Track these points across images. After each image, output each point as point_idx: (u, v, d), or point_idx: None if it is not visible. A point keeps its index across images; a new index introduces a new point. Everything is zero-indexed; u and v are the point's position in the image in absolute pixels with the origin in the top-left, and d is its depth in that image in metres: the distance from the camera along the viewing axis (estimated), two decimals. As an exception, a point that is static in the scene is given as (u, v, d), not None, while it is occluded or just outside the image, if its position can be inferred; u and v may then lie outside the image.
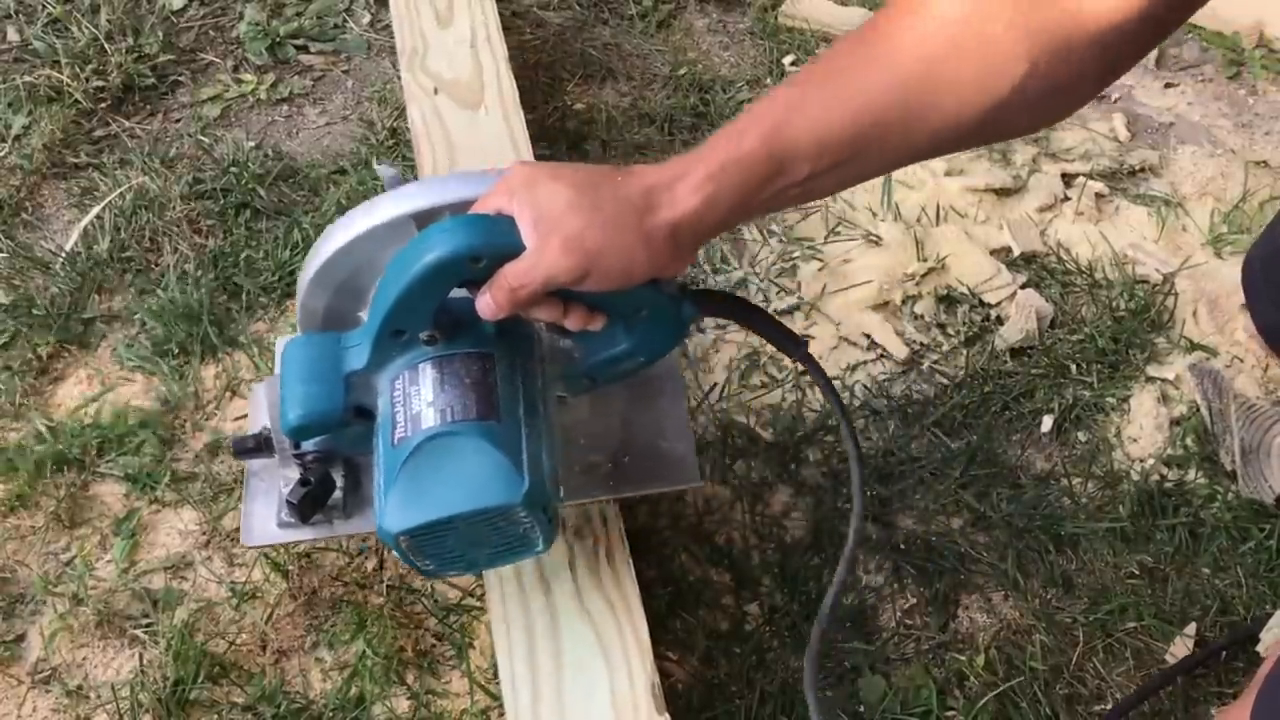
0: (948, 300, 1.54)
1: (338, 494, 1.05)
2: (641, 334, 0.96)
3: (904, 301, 1.53)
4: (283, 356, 0.95)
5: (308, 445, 1.02)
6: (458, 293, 0.89)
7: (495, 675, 1.19)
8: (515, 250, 0.84)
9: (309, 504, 1.02)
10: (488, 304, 0.87)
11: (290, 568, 1.28)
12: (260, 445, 1.04)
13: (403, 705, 1.20)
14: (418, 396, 0.91)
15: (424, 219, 0.92)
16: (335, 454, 1.04)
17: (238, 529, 1.32)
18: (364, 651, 1.22)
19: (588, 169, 0.87)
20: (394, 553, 0.92)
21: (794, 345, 1.01)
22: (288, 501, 1.02)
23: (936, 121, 0.81)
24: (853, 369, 1.47)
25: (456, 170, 0.93)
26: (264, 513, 1.07)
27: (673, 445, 1.12)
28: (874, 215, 1.63)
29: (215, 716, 1.19)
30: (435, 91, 1.47)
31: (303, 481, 1.02)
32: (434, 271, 0.85)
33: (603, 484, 1.09)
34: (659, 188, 0.84)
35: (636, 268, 0.85)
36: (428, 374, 0.92)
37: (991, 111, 0.80)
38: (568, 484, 1.03)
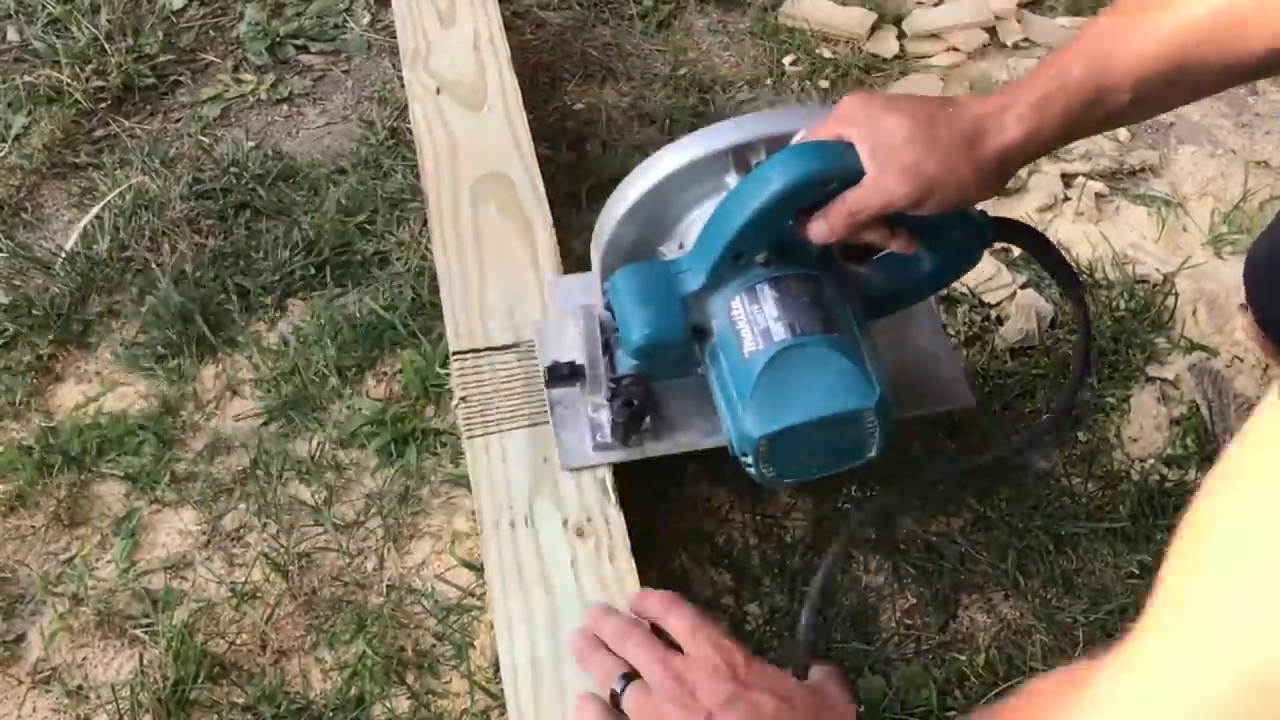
0: (947, 300, 1.53)
1: (647, 418, 1.11)
2: (945, 256, 1.03)
3: (904, 301, 1.53)
4: (615, 284, 1.02)
5: (624, 369, 1.08)
6: None
7: (495, 675, 1.19)
8: (859, 176, 0.89)
9: (633, 423, 1.09)
10: (822, 229, 0.93)
11: (290, 568, 1.28)
12: (573, 373, 1.10)
13: (403, 705, 1.20)
14: (762, 314, 0.98)
15: (740, 154, 0.99)
16: (645, 379, 1.09)
17: (239, 528, 1.32)
18: (364, 652, 1.22)
19: (919, 99, 0.93)
20: (744, 460, 0.99)
21: (1074, 285, 1.06)
22: (613, 422, 1.09)
23: (1256, 46, 0.83)
24: (853, 369, 1.47)
25: (766, 110, 1.03)
26: (576, 437, 1.13)
27: (942, 368, 1.20)
28: (874, 215, 1.63)
29: (215, 717, 1.19)
30: (438, 91, 1.47)
31: (626, 403, 1.07)
32: (789, 193, 0.91)
33: None
34: (988, 116, 0.89)
35: (968, 191, 0.90)
36: (768, 293, 0.98)
37: None
38: None
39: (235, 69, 1.87)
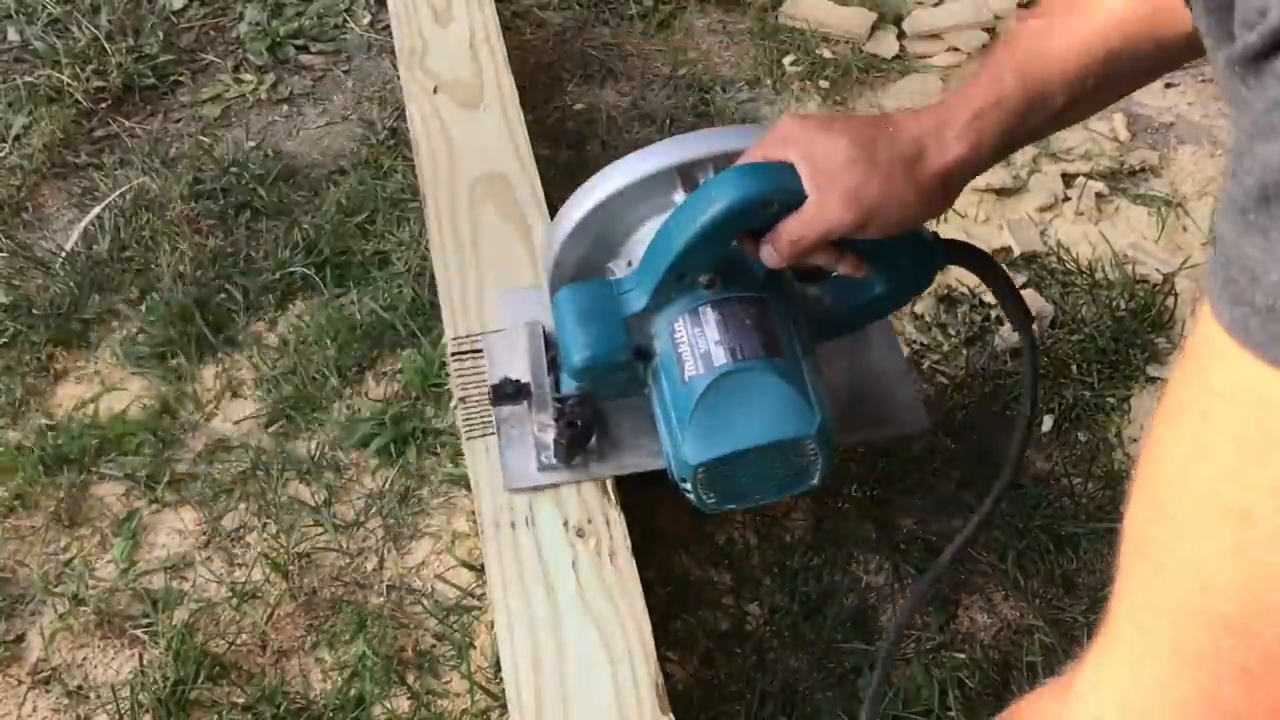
0: (948, 300, 1.54)
1: (592, 439, 1.08)
2: (896, 279, 1.01)
3: (904, 301, 1.53)
4: (557, 304, 1.00)
5: (568, 390, 1.06)
6: None
7: (496, 675, 1.19)
8: (801, 198, 0.87)
9: (576, 444, 1.06)
10: (770, 254, 0.91)
11: (290, 568, 1.28)
12: (518, 391, 1.08)
13: (403, 705, 1.20)
14: (703, 337, 0.95)
15: (687, 172, 0.97)
16: (591, 399, 1.07)
17: (239, 528, 1.32)
18: (364, 652, 1.22)
19: (858, 119, 0.90)
20: (683, 486, 0.97)
21: (1023, 316, 1.04)
22: (556, 442, 1.06)
23: (1181, 31, 0.81)
24: (853, 369, 1.47)
25: (713, 127, 1.00)
26: (520, 457, 1.10)
27: (897, 392, 1.17)
28: (874, 215, 1.63)
29: (215, 717, 1.19)
30: (435, 90, 1.47)
31: (569, 423, 1.05)
32: (730, 215, 0.89)
33: (838, 430, 1.09)
34: (927, 136, 0.87)
35: (911, 214, 0.88)
36: (710, 316, 0.96)
37: None
38: None
39: (235, 69, 1.87)
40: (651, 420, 1.02)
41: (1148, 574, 0.46)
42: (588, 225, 1.00)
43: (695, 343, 0.95)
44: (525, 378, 1.09)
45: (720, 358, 0.94)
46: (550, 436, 1.07)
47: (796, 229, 0.88)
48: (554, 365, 1.09)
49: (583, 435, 1.06)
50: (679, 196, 0.97)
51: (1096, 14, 0.84)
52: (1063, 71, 0.85)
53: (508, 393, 1.08)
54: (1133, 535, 0.47)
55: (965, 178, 0.90)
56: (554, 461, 1.08)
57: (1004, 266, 1.04)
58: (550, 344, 1.10)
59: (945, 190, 0.89)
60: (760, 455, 0.94)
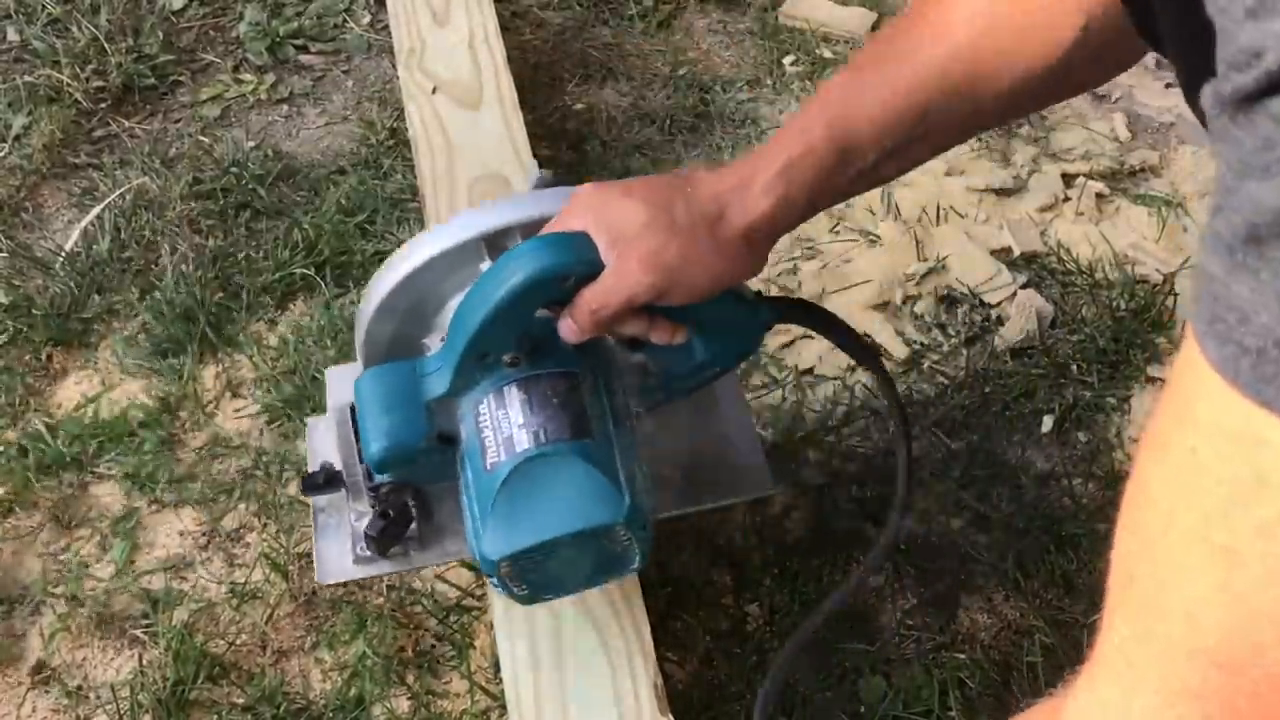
0: (948, 300, 1.54)
1: (412, 525, 1.01)
2: (720, 343, 0.95)
3: (904, 301, 1.53)
4: (358, 389, 0.93)
5: (381, 477, 0.98)
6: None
7: (495, 675, 1.19)
8: (598, 269, 0.83)
9: (389, 537, 0.99)
10: (570, 327, 0.86)
11: (290, 568, 1.28)
12: (329, 480, 1.01)
13: (403, 706, 1.20)
14: (507, 420, 0.89)
15: (493, 241, 0.91)
16: (409, 485, 1.00)
17: (239, 528, 1.32)
18: (364, 652, 1.22)
19: (655, 182, 0.86)
20: (490, 581, 0.90)
21: (869, 357, 1.00)
22: (366, 535, 0.99)
23: (997, 89, 0.80)
24: (853, 369, 1.47)
25: (517, 193, 0.92)
26: (337, 549, 1.03)
27: (742, 454, 1.10)
28: (873, 215, 1.63)
29: (215, 717, 1.19)
30: (434, 91, 1.47)
31: (381, 514, 0.98)
32: (524, 291, 0.83)
33: (676, 499, 1.05)
34: (729, 193, 0.83)
35: (716, 277, 0.84)
36: (514, 396, 0.89)
37: (1054, 71, 0.78)
38: None
39: (235, 69, 1.87)
40: None
41: (1136, 608, 0.46)
42: (395, 301, 0.94)
43: (499, 426, 0.89)
44: (339, 464, 1.01)
45: (523, 442, 0.88)
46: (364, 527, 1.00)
47: (596, 299, 0.84)
48: None
49: (397, 526, 0.99)
50: (485, 267, 0.91)
51: (908, 70, 0.82)
52: (874, 126, 0.82)
53: (318, 483, 1.01)
54: (1120, 568, 0.47)
55: (773, 234, 0.86)
56: (369, 553, 1.01)
57: (835, 315, 0.99)
58: None
59: (751, 248, 0.85)
60: (568, 545, 0.88)
